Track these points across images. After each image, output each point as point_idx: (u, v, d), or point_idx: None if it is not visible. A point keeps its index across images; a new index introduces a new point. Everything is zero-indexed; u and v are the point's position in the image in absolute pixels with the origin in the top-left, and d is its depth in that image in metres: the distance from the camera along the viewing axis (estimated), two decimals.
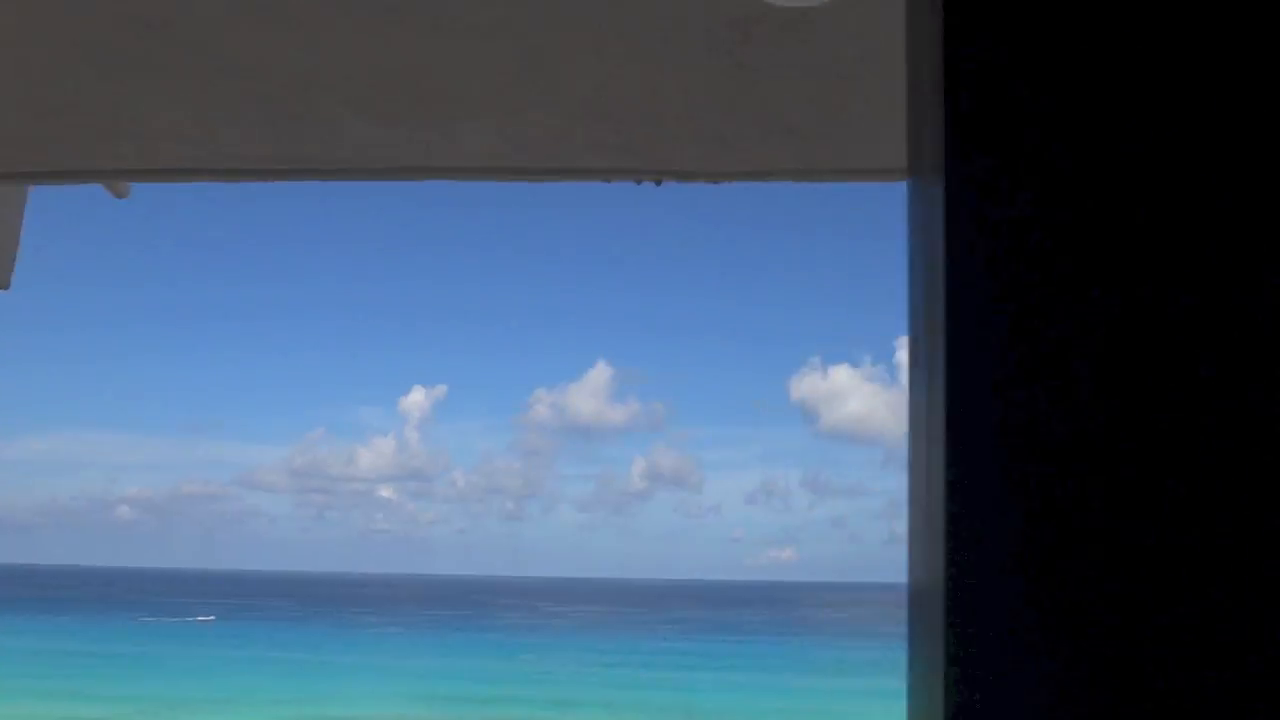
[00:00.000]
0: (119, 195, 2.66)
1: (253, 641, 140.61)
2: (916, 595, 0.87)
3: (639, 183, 2.51)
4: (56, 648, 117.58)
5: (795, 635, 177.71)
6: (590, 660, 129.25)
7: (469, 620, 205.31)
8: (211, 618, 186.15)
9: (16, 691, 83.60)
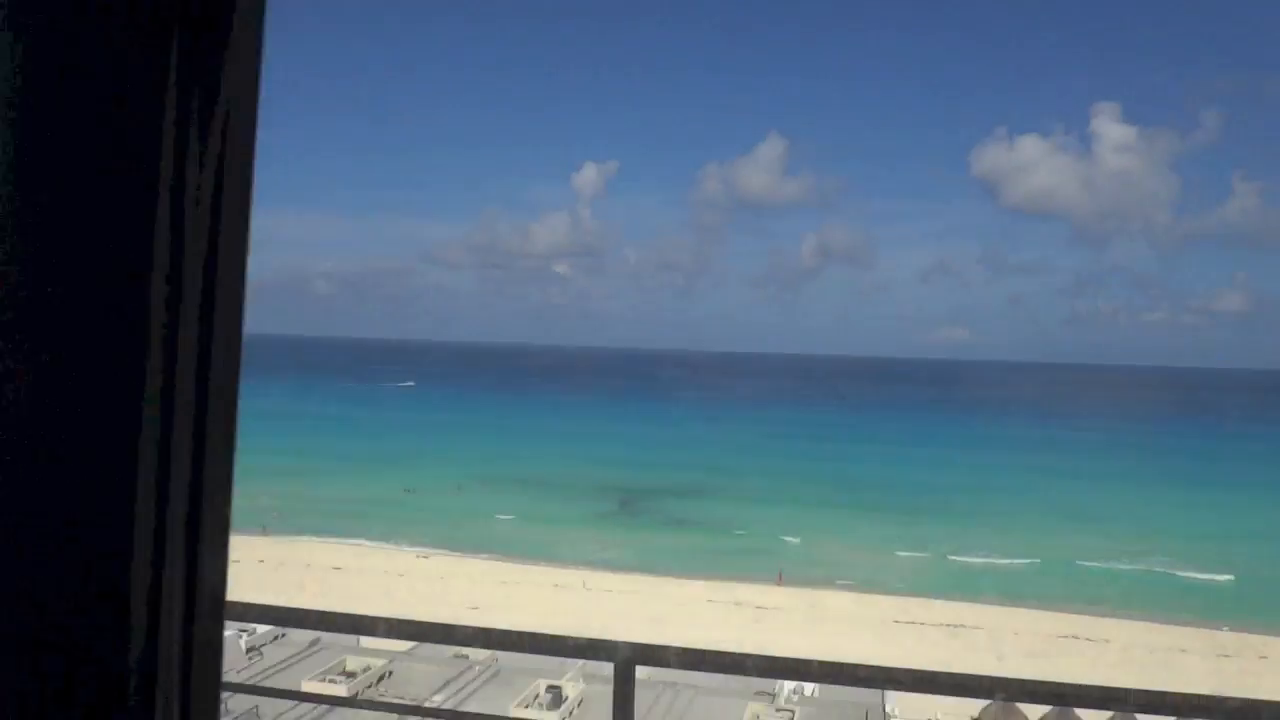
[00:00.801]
0: None
1: (447, 406, 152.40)
2: None
3: None
4: (268, 408, 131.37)
5: (962, 412, 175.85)
6: (756, 431, 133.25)
7: (640, 390, 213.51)
8: (411, 383, 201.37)
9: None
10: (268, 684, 29.28)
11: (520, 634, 2.65)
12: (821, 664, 2.43)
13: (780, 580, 52.68)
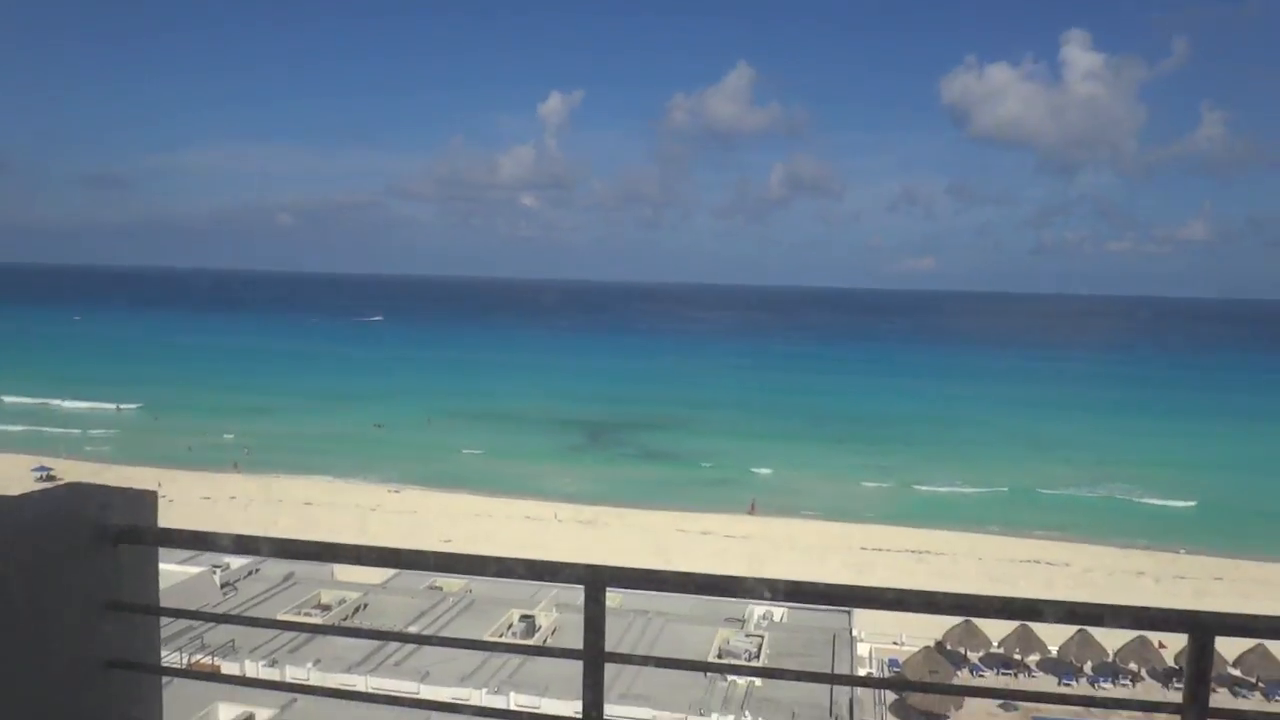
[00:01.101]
0: None
1: (416, 341, 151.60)
2: None
3: None
4: (235, 345, 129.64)
5: (930, 342, 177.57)
6: (726, 363, 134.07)
7: (609, 323, 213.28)
8: (379, 318, 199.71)
9: (199, 384, 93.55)
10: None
11: (488, 559, 2.64)
12: (789, 583, 2.39)
13: (753, 510, 53.48)
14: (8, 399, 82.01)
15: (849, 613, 30.69)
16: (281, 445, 66.85)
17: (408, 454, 65.86)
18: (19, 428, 70.23)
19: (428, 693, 23.62)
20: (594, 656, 2.52)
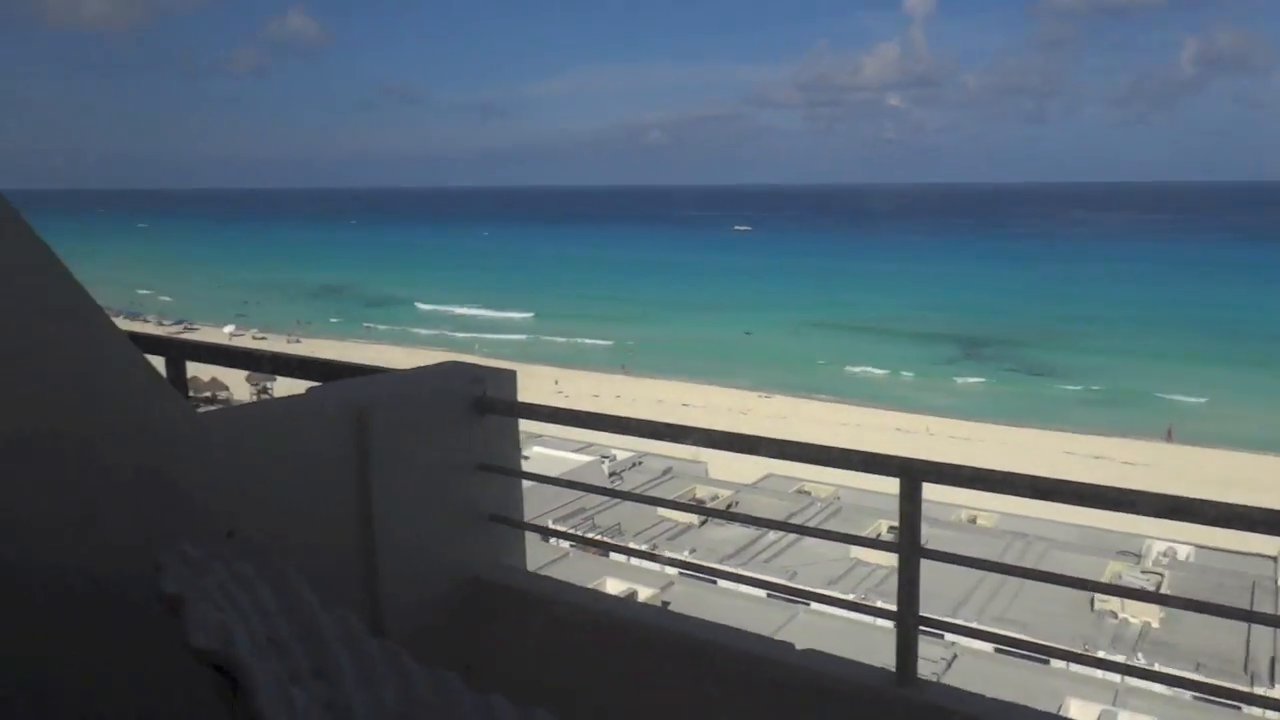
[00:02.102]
0: None
1: (783, 250, 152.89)
2: None
3: None
4: (615, 258, 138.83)
5: None
6: (1121, 272, 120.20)
7: (986, 229, 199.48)
8: (748, 228, 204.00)
9: (585, 294, 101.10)
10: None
11: (808, 445, 2.68)
12: (1213, 504, 2.15)
13: (1170, 437, 47.75)
14: (423, 306, 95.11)
15: (1278, 560, 26.74)
16: (659, 350, 71.15)
17: (777, 362, 67.11)
18: (430, 331, 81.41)
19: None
20: (910, 552, 2.53)
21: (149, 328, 61.80)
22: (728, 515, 3.72)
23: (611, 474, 34.96)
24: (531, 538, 3.74)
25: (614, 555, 29.40)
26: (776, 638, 2.88)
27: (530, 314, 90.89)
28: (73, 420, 2.07)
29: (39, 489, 1.99)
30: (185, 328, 75.20)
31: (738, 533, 29.55)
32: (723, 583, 24.05)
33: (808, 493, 34.26)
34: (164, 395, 2.36)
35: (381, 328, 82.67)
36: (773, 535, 29.35)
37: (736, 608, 21.56)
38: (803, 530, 3.21)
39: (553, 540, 26.11)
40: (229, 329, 74.78)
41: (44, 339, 1.99)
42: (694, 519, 30.46)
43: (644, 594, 23.79)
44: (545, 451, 33.76)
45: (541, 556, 24.32)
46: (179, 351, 3.90)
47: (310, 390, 3.10)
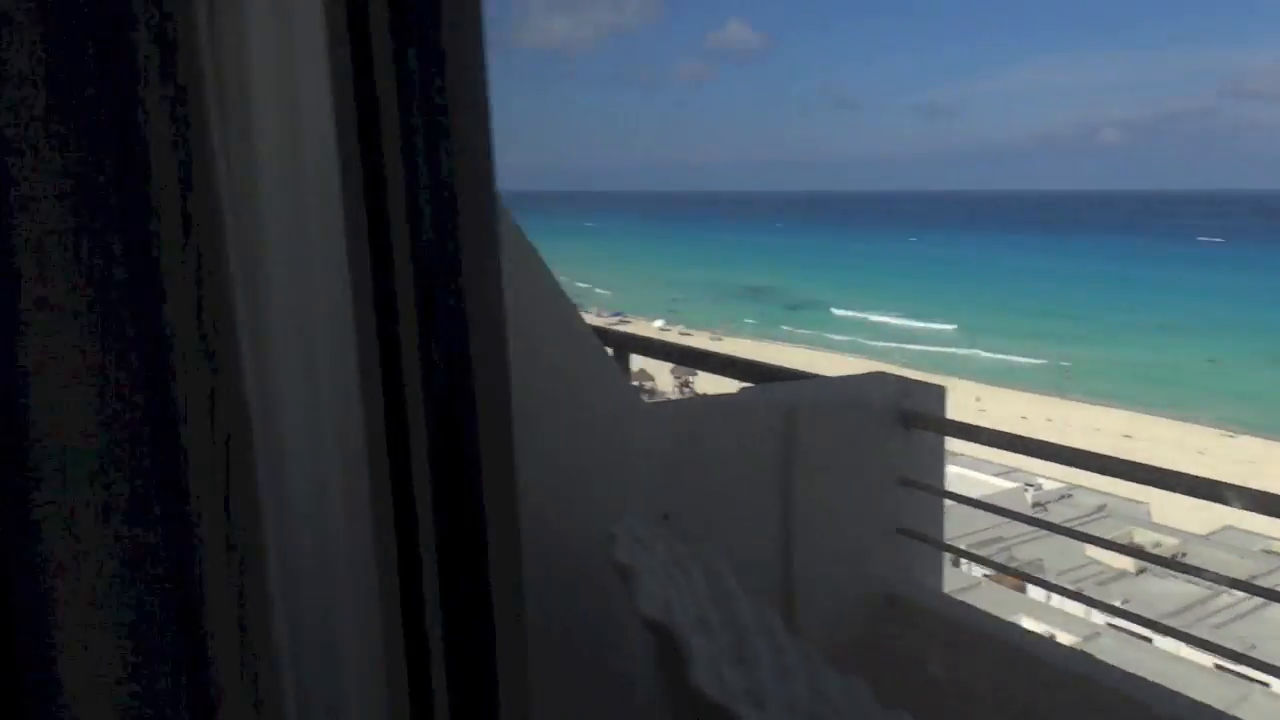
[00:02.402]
0: None
1: (1262, 266, 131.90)
2: None
3: None
4: (1048, 267, 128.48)
5: None
6: None
7: None
8: (1219, 240, 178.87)
9: (1013, 307, 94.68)
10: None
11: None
12: None
13: None
14: (838, 312, 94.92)
15: None
16: (1100, 373, 64.78)
17: (1246, 396, 57.91)
18: (844, 337, 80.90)
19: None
20: None
21: (590, 318, 68.89)
22: (1178, 566, 3.27)
23: (1035, 504, 32.46)
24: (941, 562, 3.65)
25: (1031, 592, 27.36)
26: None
27: (953, 325, 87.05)
28: (566, 403, 2.41)
29: (538, 458, 2.35)
30: (620, 320, 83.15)
31: (1183, 589, 26.00)
32: (1160, 643, 21.29)
33: (1277, 552, 29.13)
34: (622, 385, 2.67)
35: (797, 331, 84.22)
36: (1226, 599, 25.38)
37: (1173, 674, 18.97)
38: (1271, 595, 2.72)
39: (963, 568, 24.94)
40: (659, 323, 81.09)
41: (537, 333, 2.34)
42: (1129, 565, 27.33)
43: (1063, 640, 21.83)
44: (961, 471, 32.21)
45: (950, 583, 23.33)
46: (623, 344, 4.35)
47: (742, 390, 3.29)
